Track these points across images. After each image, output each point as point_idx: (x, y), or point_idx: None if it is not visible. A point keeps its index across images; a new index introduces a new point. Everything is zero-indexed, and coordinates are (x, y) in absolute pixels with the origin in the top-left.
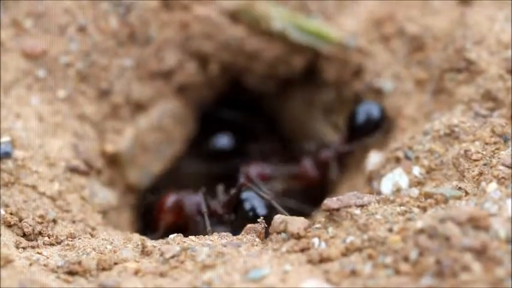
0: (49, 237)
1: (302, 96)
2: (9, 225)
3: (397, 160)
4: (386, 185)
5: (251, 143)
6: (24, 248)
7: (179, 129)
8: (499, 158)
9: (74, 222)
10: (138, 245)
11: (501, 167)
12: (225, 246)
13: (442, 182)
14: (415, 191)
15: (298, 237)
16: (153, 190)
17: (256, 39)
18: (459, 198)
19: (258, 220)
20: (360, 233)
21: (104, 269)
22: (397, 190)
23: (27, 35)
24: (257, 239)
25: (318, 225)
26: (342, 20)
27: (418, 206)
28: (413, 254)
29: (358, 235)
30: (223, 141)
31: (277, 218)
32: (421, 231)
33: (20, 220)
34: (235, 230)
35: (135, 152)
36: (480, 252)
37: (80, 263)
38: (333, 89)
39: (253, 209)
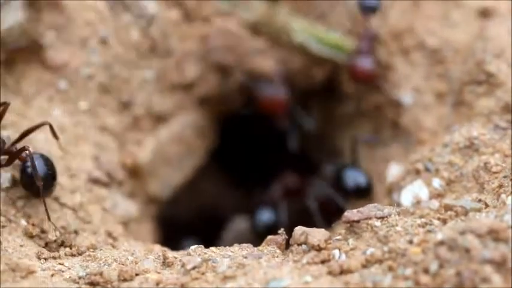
0: (70, 248)
1: (321, 108)
2: (31, 236)
3: (417, 172)
4: (406, 197)
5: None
6: (45, 259)
7: (200, 141)
8: None
9: (95, 233)
10: (159, 256)
11: None
12: (245, 257)
13: (462, 194)
14: (435, 203)
15: (319, 248)
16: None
17: (277, 51)
18: (479, 210)
19: (279, 232)
20: (380, 244)
21: (125, 280)
22: (417, 202)
23: (49, 46)
24: (278, 251)
25: (338, 237)
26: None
27: (438, 218)
28: (433, 266)
29: (378, 247)
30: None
31: (298, 230)
32: (441, 243)
33: (42, 231)
34: None
35: (156, 163)
36: (500, 264)
37: (101, 273)
38: (352, 102)
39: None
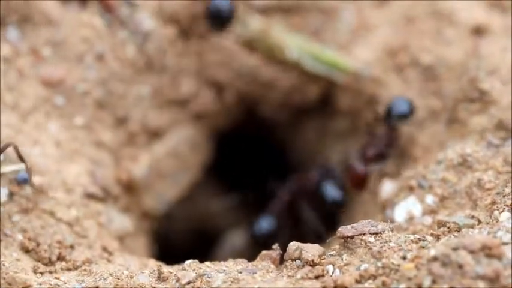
0: (66, 262)
1: (315, 125)
2: (27, 251)
3: (411, 188)
4: (399, 213)
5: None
6: (42, 273)
7: (195, 156)
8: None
9: (90, 247)
10: (154, 270)
11: None
12: (240, 272)
13: (455, 211)
14: (428, 219)
15: (313, 264)
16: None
17: (271, 68)
18: (472, 226)
19: (273, 247)
20: (374, 260)
21: None
22: (411, 218)
23: (45, 62)
24: (272, 266)
25: (332, 253)
26: (355, 49)
27: (432, 234)
28: (426, 282)
29: (372, 262)
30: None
31: (292, 245)
32: (435, 259)
33: (38, 245)
34: None
35: (151, 178)
36: (493, 280)
37: None
38: (346, 118)
39: None
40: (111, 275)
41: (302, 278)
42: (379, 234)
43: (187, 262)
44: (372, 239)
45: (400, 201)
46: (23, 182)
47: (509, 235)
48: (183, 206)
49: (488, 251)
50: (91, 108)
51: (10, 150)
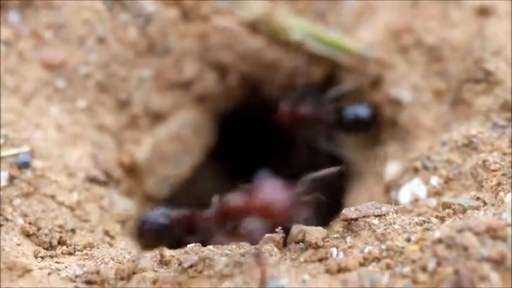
0: (67, 247)
1: None
2: (27, 235)
3: (415, 170)
4: (404, 195)
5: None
6: (42, 258)
7: (198, 139)
8: None
9: (92, 231)
10: (156, 254)
11: None
12: (243, 255)
13: (460, 192)
14: (433, 201)
15: (316, 247)
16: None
17: (275, 49)
18: (477, 208)
19: (276, 230)
20: (378, 242)
21: (122, 279)
22: (415, 200)
23: (46, 45)
24: (275, 249)
25: (335, 235)
26: (359, 31)
27: (436, 216)
28: (431, 264)
29: (376, 245)
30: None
31: (295, 228)
32: (439, 241)
33: (39, 230)
34: None
35: (154, 162)
36: (498, 262)
37: (98, 272)
38: (350, 100)
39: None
40: (112, 259)
41: (305, 261)
42: (383, 217)
43: (190, 246)
44: (376, 221)
45: (404, 183)
46: (24, 165)
47: None
48: (186, 190)
49: (493, 233)
50: (93, 91)
51: (10, 133)
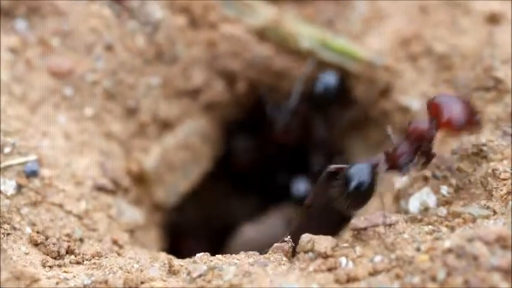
0: (76, 256)
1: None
2: (35, 244)
3: (425, 179)
4: (414, 204)
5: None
6: (50, 267)
7: (206, 147)
8: None
9: (100, 241)
10: (165, 263)
11: None
12: (252, 265)
13: (470, 201)
14: (443, 210)
15: (326, 256)
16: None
17: (284, 57)
18: (487, 217)
19: (285, 239)
20: (388, 252)
21: None
22: (425, 209)
23: (54, 53)
24: (284, 258)
25: (345, 245)
26: (368, 38)
27: (446, 225)
28: (441, 274)
29: (385, 254)
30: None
31: (305, 237)
32: (449, 250)
33: (47, 239)
34: None
35: (162, 170)
36: (508, 272)
37: (106, 281)
38: (360, 108)
39: None
40: (121, 268)
41: (314, 270)
42: (393, 226)
43: (199, 255)
44: (385, 230)
45: (414, 192)
46: (31, 174)
47: None
48: (194, 198)
49: (503, 242)
50: (100, 99)
51: (18, 142)
